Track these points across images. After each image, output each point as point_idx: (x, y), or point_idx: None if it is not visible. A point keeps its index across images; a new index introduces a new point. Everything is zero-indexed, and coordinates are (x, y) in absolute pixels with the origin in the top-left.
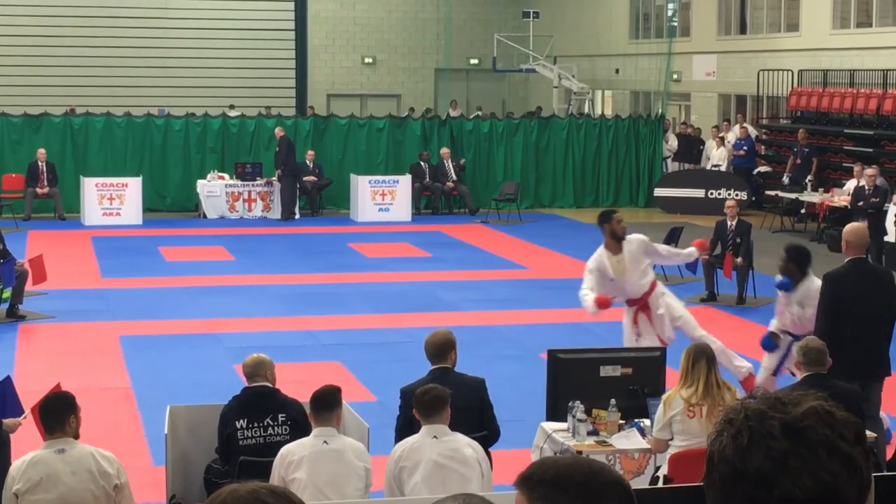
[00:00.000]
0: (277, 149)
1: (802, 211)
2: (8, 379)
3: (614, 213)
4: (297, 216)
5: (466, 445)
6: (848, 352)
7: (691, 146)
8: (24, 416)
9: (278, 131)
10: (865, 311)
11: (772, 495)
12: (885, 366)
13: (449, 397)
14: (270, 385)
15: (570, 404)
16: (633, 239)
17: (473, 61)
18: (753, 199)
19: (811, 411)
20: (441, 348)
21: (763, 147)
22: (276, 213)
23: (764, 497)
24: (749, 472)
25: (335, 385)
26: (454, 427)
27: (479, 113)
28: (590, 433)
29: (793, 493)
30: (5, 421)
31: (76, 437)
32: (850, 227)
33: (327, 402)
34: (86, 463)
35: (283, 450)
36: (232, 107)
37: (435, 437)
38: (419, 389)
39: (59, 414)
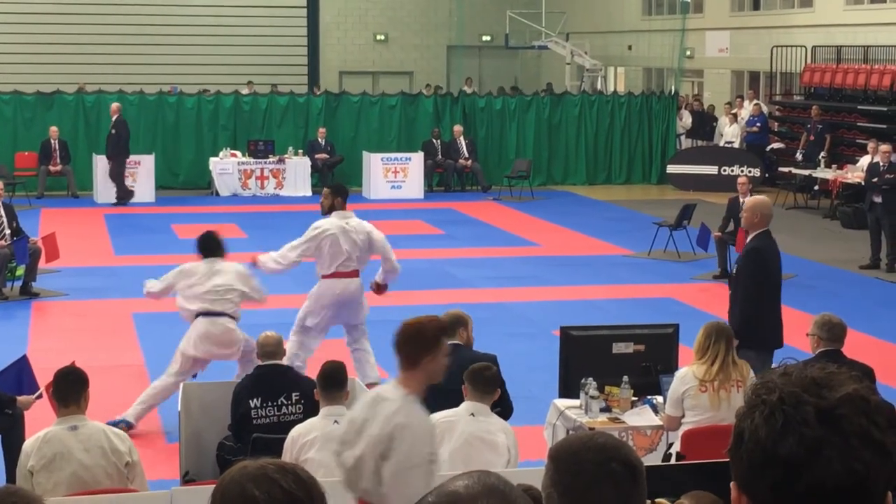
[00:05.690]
0: (114, 131)
1: (816, 187)
2: (24, 358)
3: None
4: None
5: (500, 431)
6: (772, 323)
7: (704, 123)
8: (37, 393)
9: (114, 108)
10: (777, 281)
11: (801, 481)
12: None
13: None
14: (284, 363)
15: (582, 381)
16: None
17: (486, 38)
18: (766, 175)
19: (847, 398)
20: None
21: (776, 124)
22: (288, 190)
23: (792, 482)
24: (780, 457)
25: (339, 361)
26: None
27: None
28: (602, 410)
29: (823, 480)
30: (19, 398)
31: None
32: (764, 200)
33: (337, 379)
34: (98, 440)
35: (294, 431)
36: (250, 83)
37: (472, 414)
38: (478, 365)
39: (75, 386)
